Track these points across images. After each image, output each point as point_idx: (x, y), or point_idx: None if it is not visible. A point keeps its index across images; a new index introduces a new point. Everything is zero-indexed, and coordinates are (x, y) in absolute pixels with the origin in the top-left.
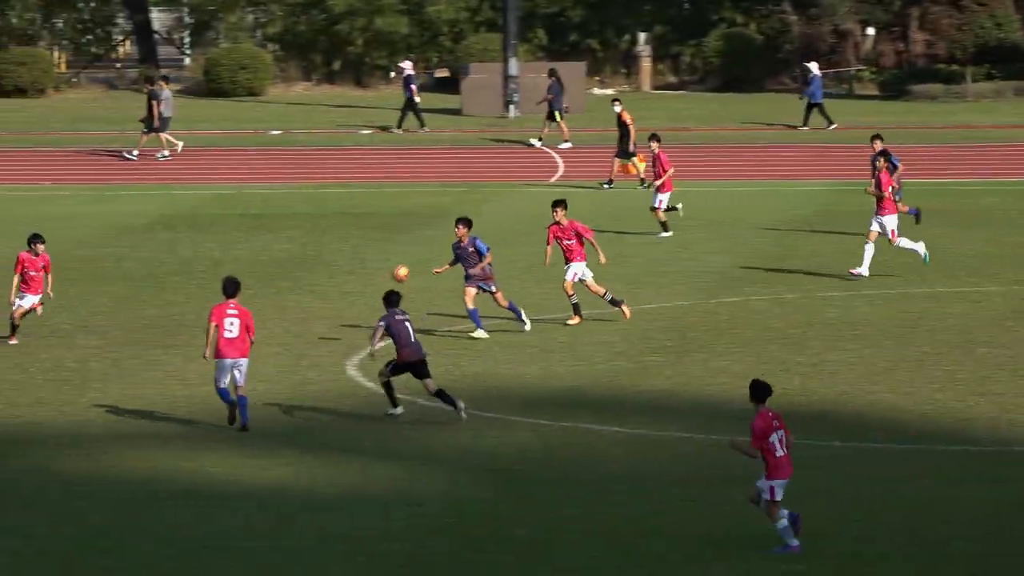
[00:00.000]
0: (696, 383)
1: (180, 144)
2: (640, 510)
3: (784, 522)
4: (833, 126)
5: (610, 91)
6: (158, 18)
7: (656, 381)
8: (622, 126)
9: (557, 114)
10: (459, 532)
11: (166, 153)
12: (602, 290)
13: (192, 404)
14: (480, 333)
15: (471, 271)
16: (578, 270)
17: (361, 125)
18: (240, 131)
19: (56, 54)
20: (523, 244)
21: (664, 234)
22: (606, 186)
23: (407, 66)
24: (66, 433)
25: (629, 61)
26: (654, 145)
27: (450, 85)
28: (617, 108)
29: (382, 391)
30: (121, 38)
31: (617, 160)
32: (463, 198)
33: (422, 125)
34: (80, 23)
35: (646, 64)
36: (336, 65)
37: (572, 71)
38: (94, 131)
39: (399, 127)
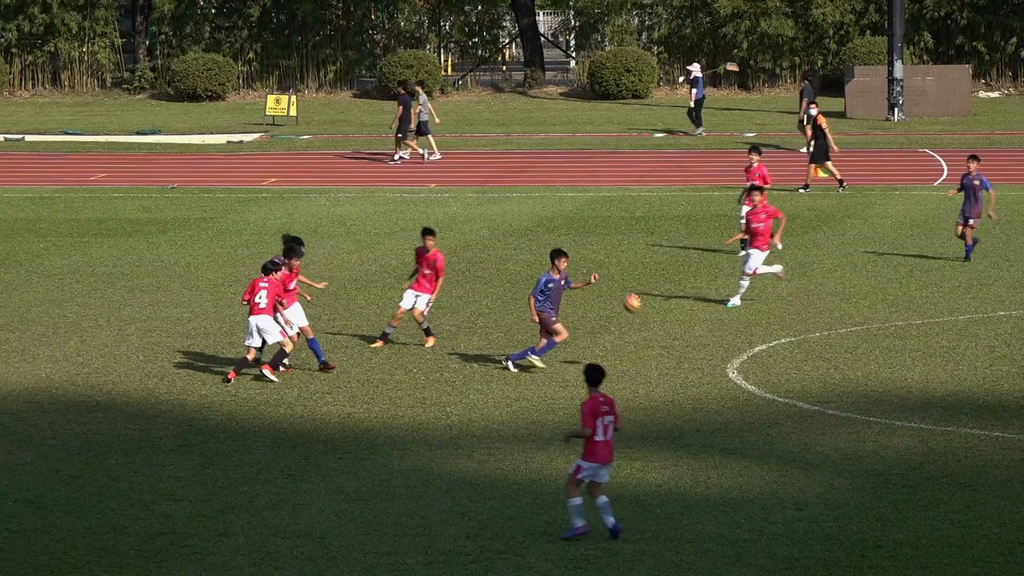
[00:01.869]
0: None
1: (438, 153)
2: (1022, 515)
3: (577, 500)
4: None
5: (995, 94)
6: (544, 21)
7: None
8: (818, 129)
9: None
10: (839, 537)
11: (404, 156)
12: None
13: (571, 406)
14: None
15: None
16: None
17: (745, 129)
18: (624, 134)
19: (443, 57)
20: (906, 247)
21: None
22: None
23: (695, 68)
24: (448, 434)
25: (1016, 64)
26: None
27: (837, 88)
28: (813, 111)
29: (762, 393)
30: (507, 41)
31: (813, 165)
32: (847, 201)
33: (698, 127)
34: (467, 26)
35: None
36: (720, 68)
37: (958, 74)
38: (480, 133)
39: (698, 128)
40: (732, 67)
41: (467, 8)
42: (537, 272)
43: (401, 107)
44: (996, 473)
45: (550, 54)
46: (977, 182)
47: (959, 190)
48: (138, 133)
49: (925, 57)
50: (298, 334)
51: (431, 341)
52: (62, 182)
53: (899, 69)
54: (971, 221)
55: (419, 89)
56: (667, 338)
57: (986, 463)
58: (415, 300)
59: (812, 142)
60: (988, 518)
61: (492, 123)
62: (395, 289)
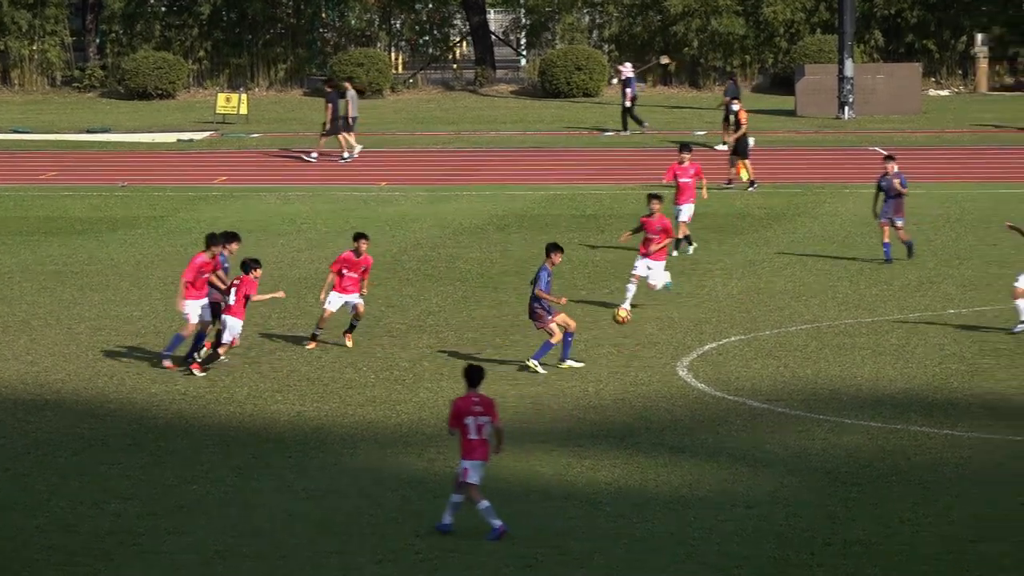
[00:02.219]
0: None
1: (359, 148)
2: (972, 513)
3: (485, 503)
4: None
5: (945, 92)
6: (495, 19)
7: (988, 384)
8: (736, 125)
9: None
10: (789, 535)
11: (345, 156)
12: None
13: (522, 404)
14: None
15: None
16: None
17: (696, 127)
18: (574, 132)
19: (393, 55)
20: (856, 246)
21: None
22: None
23: (626, 69)
24: (398, 432)
25: (966, 62)
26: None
27: (787, 86)
28: (735, 107)
29: (712, 391)
30: (458, 39)
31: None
32: (797, 200)
33: (627, 126)
34: (417, 24)
35: (983, 65)
36: (671, 66)
37: (908, 72)
38: (430, 132)
39: (626, 129)
40: (665, 60)
41: (418, 6)
42: (486, 270)
43: (331, 105)
44: (946, 471)
45: (501, 52)
46: (896, 181)
47: (877, 191)
48: (88, 131)
49: (875, 55)
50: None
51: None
52: (12, 180)
53: (849, 67)
54: (898, 223)
55: (348, 86)
56: (617, 336)
57: (936, 461)
58: (344, 301)
59: (735, 140)
60: (938, 516)
61: (443, 121)
62: None
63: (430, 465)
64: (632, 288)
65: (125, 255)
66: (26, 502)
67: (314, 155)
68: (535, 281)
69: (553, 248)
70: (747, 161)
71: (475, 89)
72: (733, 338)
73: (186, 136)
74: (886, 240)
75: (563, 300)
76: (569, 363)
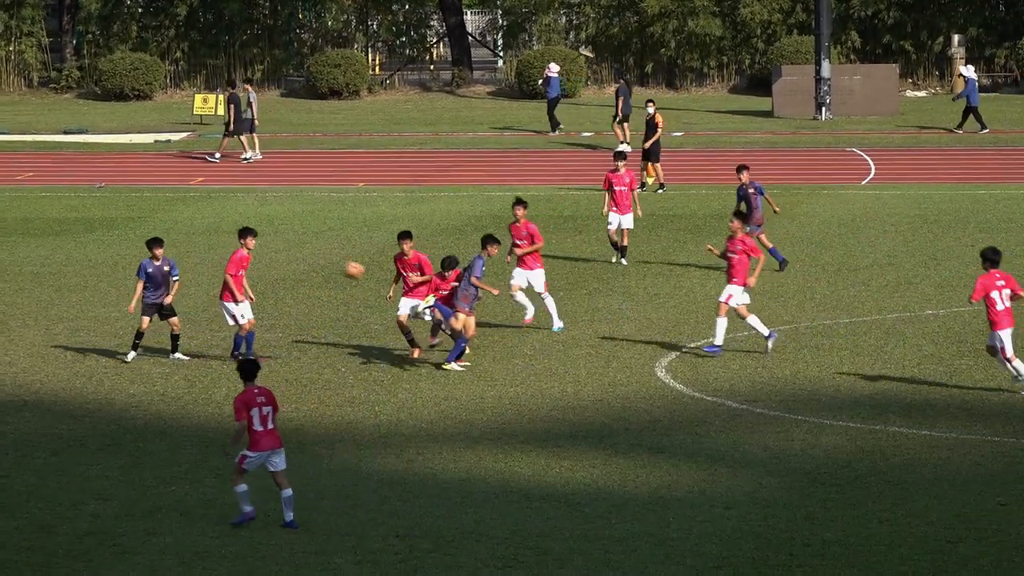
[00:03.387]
0: (1008, 386)
1: (257, 153)
2: (950, 514)
3: (243, 487)
4: None
5: (922, 93)
6: (472, 20)
7: (966, 384)
8: (652, 128)
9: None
10: (768, 535)
11: (249, 156)
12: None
13: (500, 405)
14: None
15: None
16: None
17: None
18: (552, 134)
19: (370, 56)
20: (834, 247)
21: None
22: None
23: (553, 69)
24: (377, 433)
25: (943, 63)
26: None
27: (764, 87)
28: (651, 109)
29: (690, 391)
30: (435, 40)
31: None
32: (775, 200)
33: (553, 128)
34: (394, 25)
35: (960, 66)
36: (648, 67)
37: (885, 73)
38: (408, 132)
39: (554, 130)
40: (587, 52)
41: (394, 7)
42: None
43: (232, 105)
44: (924, 471)
45: (478, 53)
46: (752, 190)
47: (739, 201)
48: (65, 132)
49: (852, 56)
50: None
51: (418, 352)
52: None
53: (826, 68)
54: (757, 231)
55: (247, 87)
56: (595, 337)
57: (914, 461)
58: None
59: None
60: (916, 516)
61: (420, 122)
62: (324, 288)
63: (409, 466)
64: (519, 297)
65: (103, 255)
66: (4, 503)
67: (217, 156)
68: (469, 269)
69: (490, 240)
70: (659, 165)
71: (452, 90)
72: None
73: (163, 137)
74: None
75: (496, 291)
76: (453, 366)
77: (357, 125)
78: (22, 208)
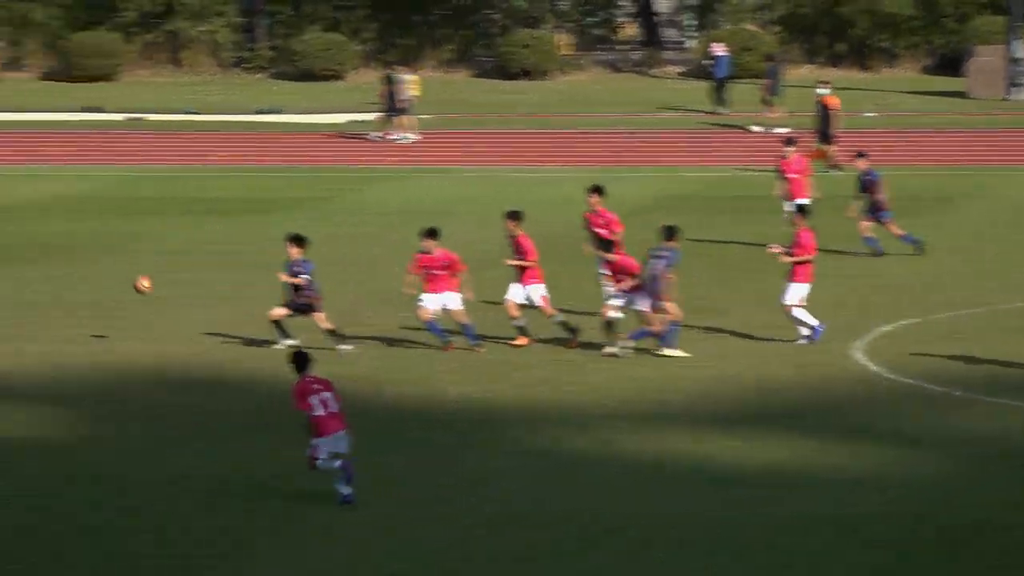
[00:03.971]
0: None
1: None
2: None
3: (327, 463)
4: None
5: None
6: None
7: None
8: (824, 109)
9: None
10: (944, 518)
11: (409, 136)
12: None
13: (693, 385)
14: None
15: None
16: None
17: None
18: (744, 114)
19: (559, 36)
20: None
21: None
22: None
23: (719, 48)
24: (571, 414)
25: None
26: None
27: (955, 67)
28: (824, 90)
29: (888, 374)
30: (625, 20)
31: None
32: (966, 182)
33: (720, 106)
34: (584, 5)
35: None
36: (840, 47)
37: None
38: (597, 113)
39: (719, 110)
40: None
41: None
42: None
43: (392, 87)
44: None
45: (668, 33)
46: (869, 177)
47: (861, 191)
48: (258, 112)
49: None
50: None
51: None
52: (181, 161)
53: (1018, 48)
54: (887, 217)
55: (402, 69)
56: (784, 318)
57: None
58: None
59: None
60: None
61: (610, 104)
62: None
63: (604, 446)
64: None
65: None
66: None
67: (391, 136)
68: (664, 260)
69: (674, 231)
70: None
71: (642, 71)
72: (907, 321)
73: (357, 117)
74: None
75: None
76: (673, 352)
77: (546, 106)
78: (214, 188)
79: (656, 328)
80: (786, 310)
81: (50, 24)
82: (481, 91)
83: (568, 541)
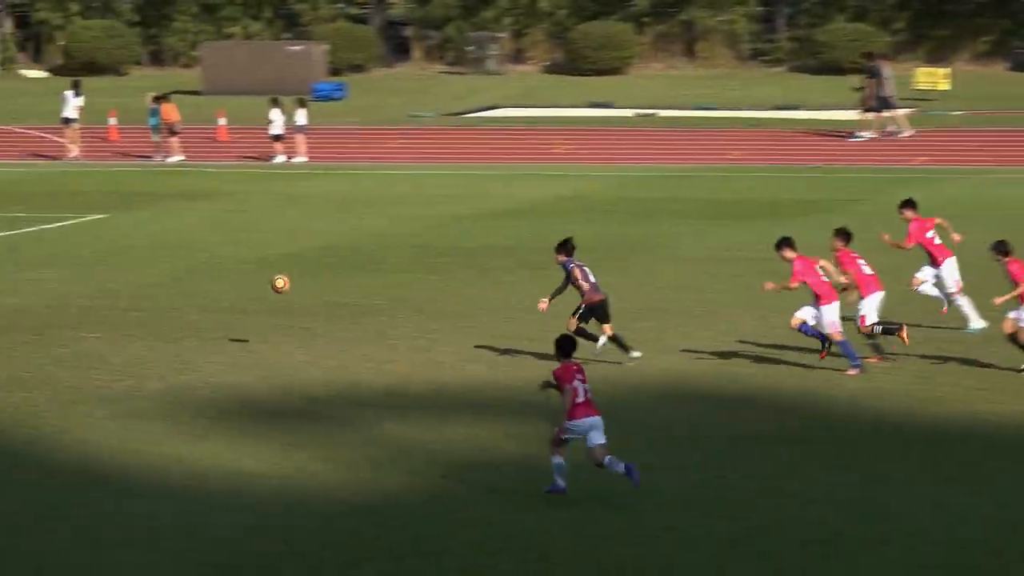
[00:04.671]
0: None
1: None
2: None
3: (559, 459)
4: None
5: None
6: None
7: None
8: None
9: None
10: None
11: (904, 132)
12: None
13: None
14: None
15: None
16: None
17: None
18: None
19: None
20: None
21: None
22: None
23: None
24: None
25: None
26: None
27: None
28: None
29: None
30: None
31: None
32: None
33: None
34: None
35: None
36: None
37: None
38: None
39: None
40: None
41: None
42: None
43: (873, 79)
44: None
45: None
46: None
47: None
48: (776, 108)
49: None
50: None
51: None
52: (697, 160)
53: None
54: None
55: (882, 61)
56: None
57: None
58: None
59: None
60: None
61: None
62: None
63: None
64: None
65: (813, 240)
66: (730, 502)
67: (865, 134)
68: None
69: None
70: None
71: None
72: None
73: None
74: None
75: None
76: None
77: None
78: (730, 189)
79: None
80: None
81: (555, 14)
82: (1018, 85)
83: None
